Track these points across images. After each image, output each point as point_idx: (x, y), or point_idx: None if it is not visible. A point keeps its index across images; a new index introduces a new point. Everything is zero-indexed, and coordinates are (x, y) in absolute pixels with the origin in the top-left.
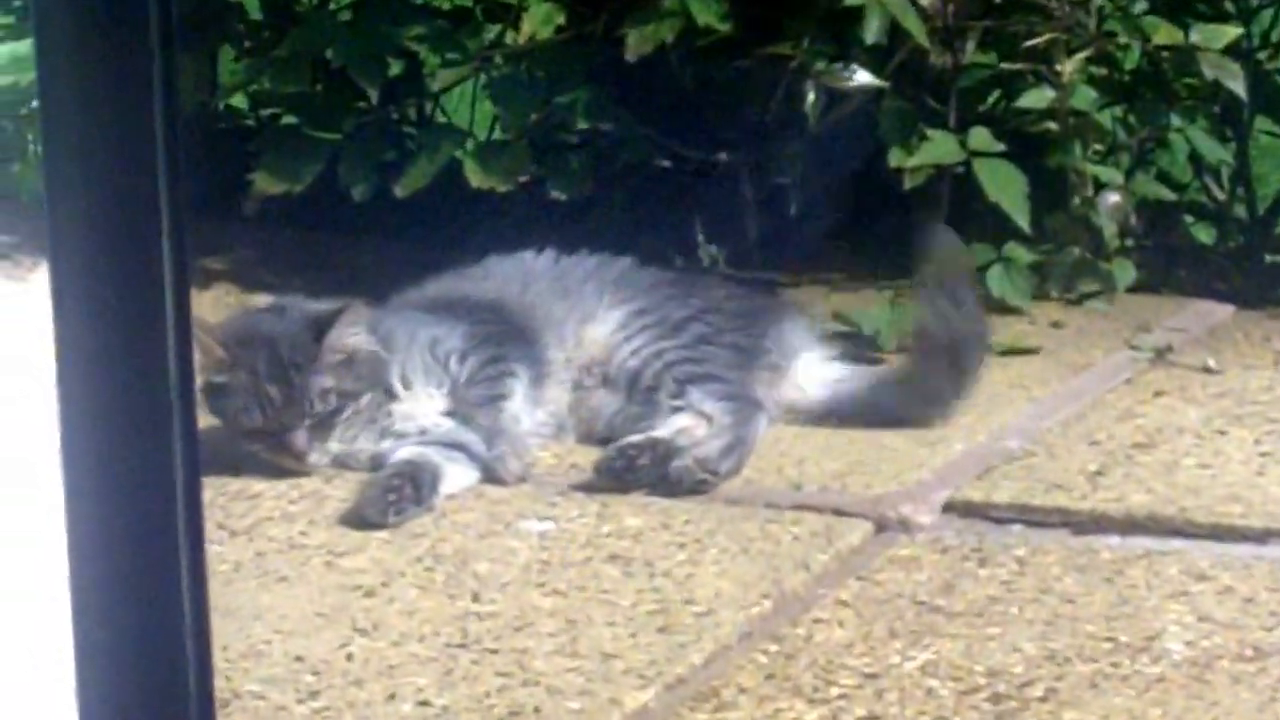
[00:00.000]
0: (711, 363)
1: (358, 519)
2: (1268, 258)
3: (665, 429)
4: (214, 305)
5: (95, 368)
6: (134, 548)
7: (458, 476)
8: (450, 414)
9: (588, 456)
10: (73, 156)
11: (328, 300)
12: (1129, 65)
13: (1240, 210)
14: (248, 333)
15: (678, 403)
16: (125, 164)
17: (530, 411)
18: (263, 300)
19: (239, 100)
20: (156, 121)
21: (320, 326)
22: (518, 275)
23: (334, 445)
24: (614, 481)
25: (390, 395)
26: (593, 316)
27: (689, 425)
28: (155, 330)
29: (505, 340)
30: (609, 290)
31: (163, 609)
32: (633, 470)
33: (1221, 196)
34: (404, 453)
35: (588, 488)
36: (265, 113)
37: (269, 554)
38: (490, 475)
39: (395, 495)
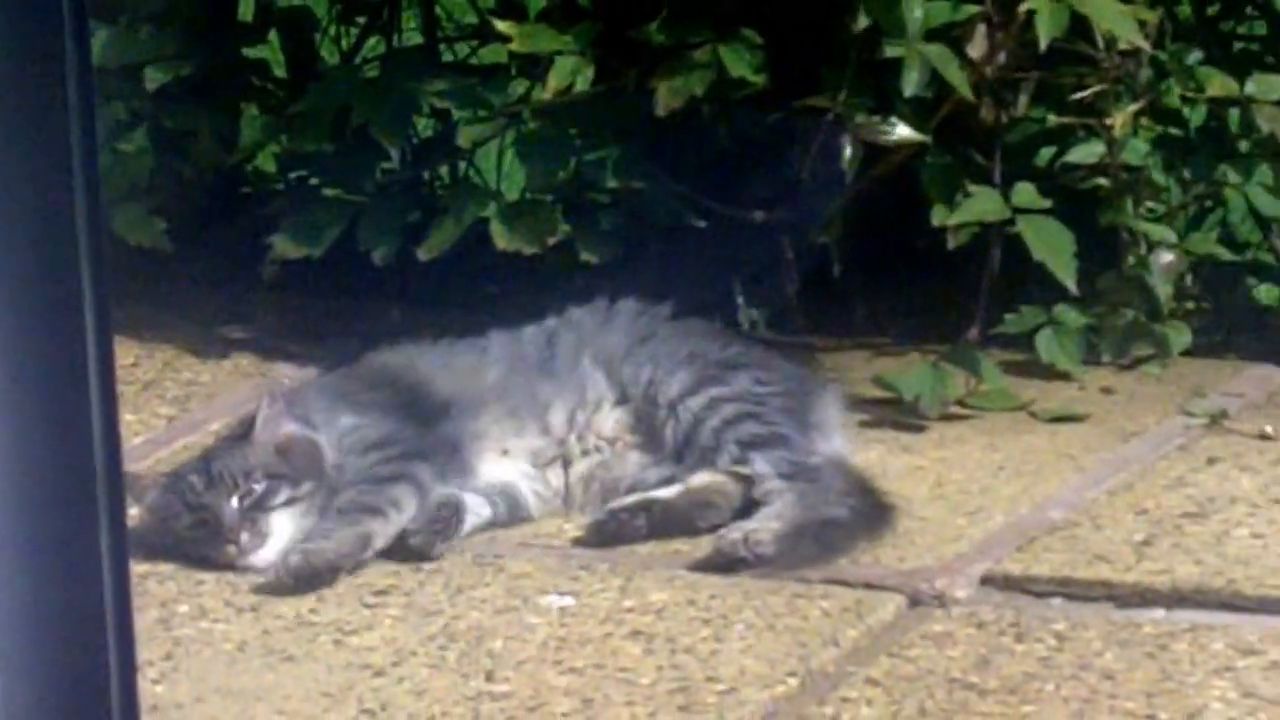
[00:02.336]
0: (775, 423)
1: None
2: None
3: (672, 489)
4: (232, 376)
5: (16, 444)
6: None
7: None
8: None
9: None
10: None
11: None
12: (1195, 121)
13: None
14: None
15: (743, 470)
16: (40, 230)
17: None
18: (282, 370)
19: (267, 162)
20: (77, 184)
21: (246, 425)
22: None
23: (279, 539)
24: (607, 544)
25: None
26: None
27: (706, 485)
28: (78, 403)
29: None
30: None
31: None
32: (624, 537)
33: None
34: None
35: (609, 559)
36: (293, 175)
37: (275, 632)
38: None
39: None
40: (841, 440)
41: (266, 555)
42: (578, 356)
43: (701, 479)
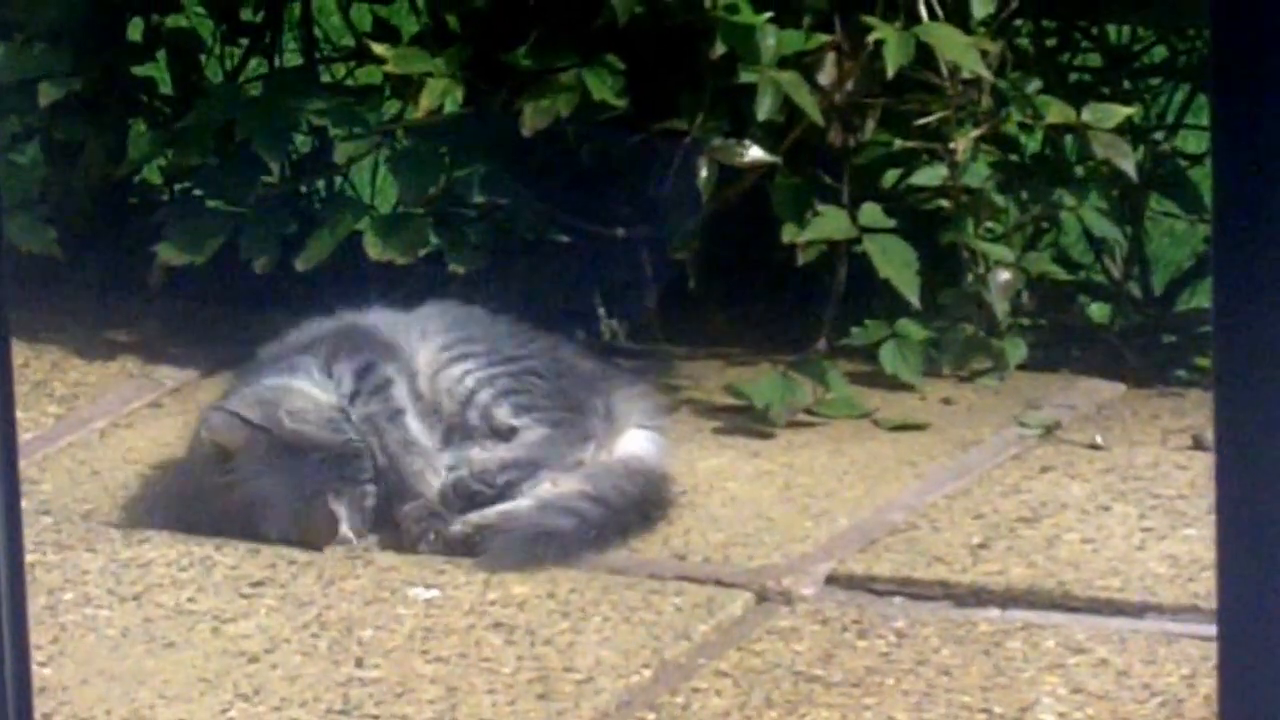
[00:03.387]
0: (536, 393)
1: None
2: (1164, 337)
3: (524, 502)
4: (117, 376)
5: None
6: None
7: None
8: None
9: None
10: None
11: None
12: (1032, 147)
13: (1136, 290)
14: None
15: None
16: None
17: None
18: (165, 372)
19: (153, 175)
20: None
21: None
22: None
23: None
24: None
25: None
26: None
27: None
28: None
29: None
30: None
31: None
32: (480, 549)
33: (1117, 275)
34: None
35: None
36: (178, 187)
37: (157, 620)
38: None
39: None
40: (637, 437)
41: None
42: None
43: (546, 489)
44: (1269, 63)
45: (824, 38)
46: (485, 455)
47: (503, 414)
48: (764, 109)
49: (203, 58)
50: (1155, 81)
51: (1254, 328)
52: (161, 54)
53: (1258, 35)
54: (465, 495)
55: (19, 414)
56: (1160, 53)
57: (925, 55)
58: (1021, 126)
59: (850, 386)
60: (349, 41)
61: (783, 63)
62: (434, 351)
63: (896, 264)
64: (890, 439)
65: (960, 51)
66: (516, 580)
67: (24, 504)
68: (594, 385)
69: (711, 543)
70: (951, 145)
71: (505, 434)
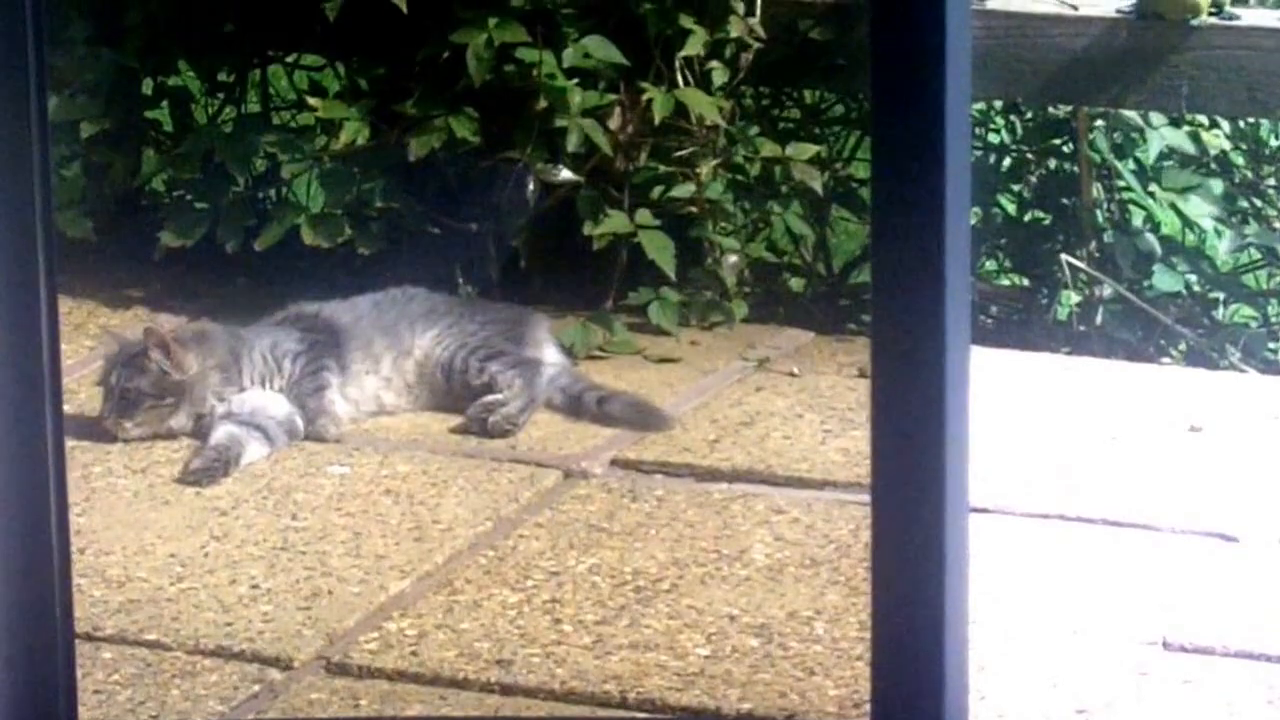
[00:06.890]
0: (499, 344)
1: (189, 480)
2: (841, 302)
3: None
4: (132, 321)
5: None
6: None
7: (255, 450)
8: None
9: (377, 424)
10: None
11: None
12: (753, 172)
13: (822, 270)
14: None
15: (483, 378)
16: (12, 227)
17: (343, 397)
18: (164, 317)
19: (159, 185)
20: (38, 197)
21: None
22: (356, 308)
23: (135, 428)
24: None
25: (228, 386)
26: (415, 336)
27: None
28: (33, 336)
29: (326, 350)
30: (422, 318)
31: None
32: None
33: (809, 259)
34: (219, 433)
35: (374, 443)
36: (175, 193)
37: (158, 485)
38: (312, 436)
39: (215, 467)
40: (551, 348)
41: (126, 434)
42: (398, 320)
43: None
44: (906, 122)
45: (613, 96)
46: (509, 407)
47: (477, 367)
48: (571, 144)
49: (193, 106)
50: (837, 128)
51: (899, 298)
52: (165, 103)
53: (904, 102)
54: (499, 434)
55: (65, 346)
56: (839, 109)
57: (681, 109)
58: (746, 159)
59: (629, 333)
60: (293, 95)
61: (585, 113)
62: (430, 337)
63: (661, 250)
64: (656, 369)
65: (705, 107)
66: (401, 461)
67: (66, 409)
68: (521, 325)
69: (534, 438)
70: (698, 170)
71: (483, 386)
